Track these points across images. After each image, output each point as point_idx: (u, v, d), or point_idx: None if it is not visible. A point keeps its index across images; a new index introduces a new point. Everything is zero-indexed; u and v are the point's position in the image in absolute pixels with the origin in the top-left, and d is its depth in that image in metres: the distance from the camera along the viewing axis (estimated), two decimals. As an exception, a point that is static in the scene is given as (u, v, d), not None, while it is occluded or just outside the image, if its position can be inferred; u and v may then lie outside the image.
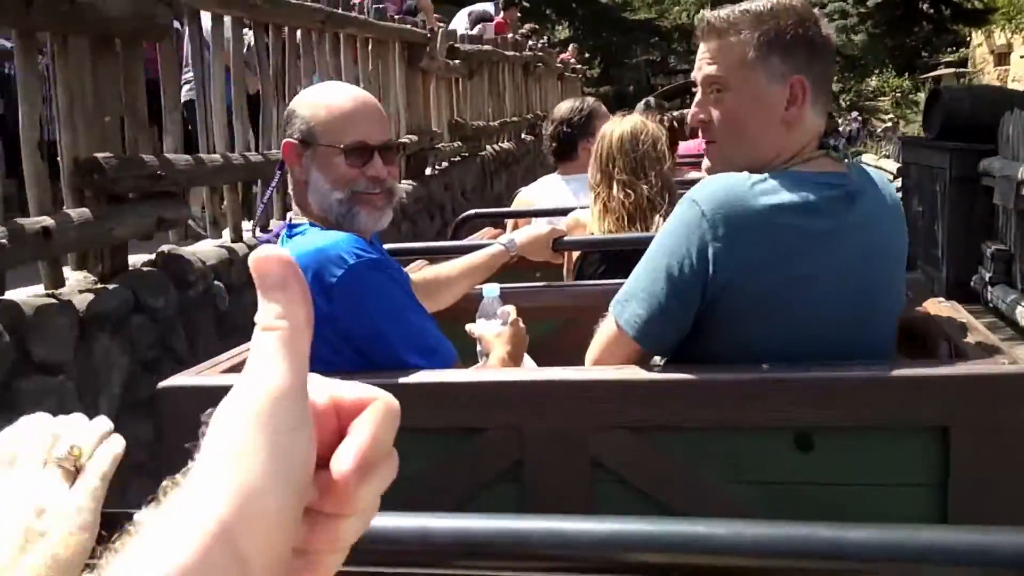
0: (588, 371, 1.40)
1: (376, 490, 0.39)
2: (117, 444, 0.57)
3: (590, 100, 3.28)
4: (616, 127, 2.54)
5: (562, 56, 13.09)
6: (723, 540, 0.64)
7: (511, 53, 9.38)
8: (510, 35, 9.57)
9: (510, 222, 3.26)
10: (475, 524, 0.74)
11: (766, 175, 1.34)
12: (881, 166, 9.92)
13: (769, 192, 1.31)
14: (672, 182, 2.54)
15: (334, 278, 1.44)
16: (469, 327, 1.69)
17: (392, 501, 1.43)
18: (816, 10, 1.46)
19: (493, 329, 1.66)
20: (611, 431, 1.31)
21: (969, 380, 1.25)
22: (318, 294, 1.42)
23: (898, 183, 7.76)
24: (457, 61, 7.38)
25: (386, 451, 0.39)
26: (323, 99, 1.59)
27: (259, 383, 0.36)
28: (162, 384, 1.43)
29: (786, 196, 1.31)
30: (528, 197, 3.28)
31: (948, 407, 1.24)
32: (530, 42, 10.46)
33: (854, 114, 29.09)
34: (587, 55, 27.58)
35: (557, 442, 1.31)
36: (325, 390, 0.39)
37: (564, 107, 3.25)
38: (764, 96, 1.38)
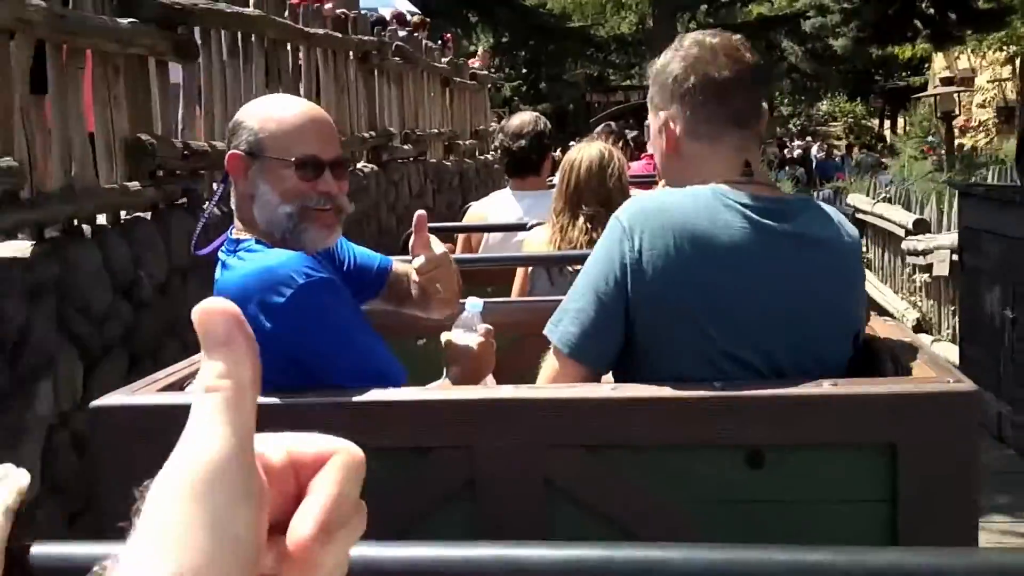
0: (540, 389, 1.40)
1: (344, 548, 0.35)
2: (21, 478, 0.54)
3: (543, 119, 3.27)
4: (584, 156, 2.57)
5: (470, 62, 11.49)
6: (679, 565, 0.63)
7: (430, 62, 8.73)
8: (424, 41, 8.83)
9: (461, 237, 3.23)
10: (424, 553, 0.72)
11: (693, 190, 1.42)
12: (892, 218, 7.64)
13: (687, 206, 1.38)
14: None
15: (282, 298, 1.41)
16: (444, 335, 1.66)
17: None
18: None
19: (466, 342, 1.63)
20: (564, 450, 1.30)
21: (915, 398, 1.26)
22: (264, 314, 1.39)
23: (940, 256, 6.04)
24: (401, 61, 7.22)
25: (352, 507, 0.35)
26: (273, 111, 1.55)
27: (197, 452, 0.33)
28: (96, 403, 1.38)
29: (703, 211, 1.36)
30: (480, 212, 3.26)
31: (895, 425, 1.25)
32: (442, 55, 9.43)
33: (807, 139, 28.88)
34: (508, 70, 25.45)
35: (509, 461, 1.30)
36: (280, 447, 0.36)
37: (516, 123, 3.22)
38: (656, 130, 1.51)
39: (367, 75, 6.55)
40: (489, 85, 12.13)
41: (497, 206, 3.19)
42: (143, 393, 1.44)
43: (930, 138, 20.33)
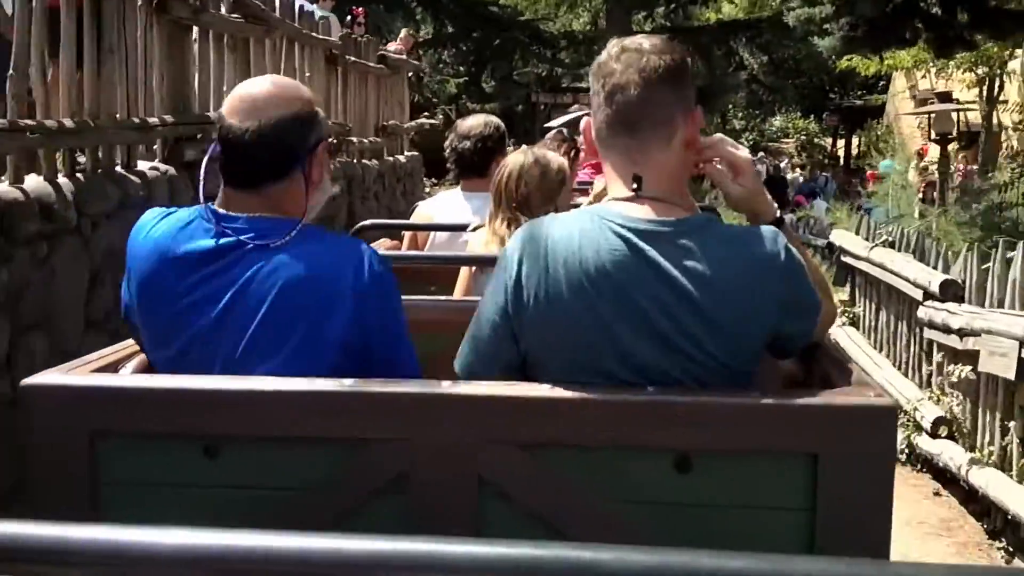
0: (478, 386, 1.41)
1: None
2: None
3: (497, 120, 3.29)
4: (514, 161, 2.62)
5: (390, 46, 10.17)
6: (609, 566, 0.65)
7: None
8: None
9: (407, 235, 3.23)
10: (354, 545, 0.72)
11: (578, 212, 1.47)
12: (901, 272, 5.25)
13: (565, 230, 1.39)
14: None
15: (387, 282, 1.50)
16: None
17: (272, 514, 1.40)
18: None
19: None
20: (498, 447, 1.31)
21: (837, 410, 1.31)
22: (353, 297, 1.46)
23: (999, 346, 3.74)
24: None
25: None
26: (314, 94, 1.60)
27: None
28: (26, 381, 1.37)
29: (578, 235, 1.38)
30: (427, 211, 3.26)
31: (817, 436, 1.30)
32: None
33: (760, 155, 27.13)
34: (457, 66, 24.00)
35: (443, 457, 1.31)
36: None
37: (469, 124, 3.23)
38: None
39: (171, 31, 4.55)
40: (410, 74, 10.67)
41: (445, 206, 3.20)
42: (76, 374, 1.43)
43: (889, 162, 19.01)
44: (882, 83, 27.58)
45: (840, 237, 7.14)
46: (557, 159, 2.65)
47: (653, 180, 1.42)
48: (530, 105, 26.10)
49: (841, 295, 6.45)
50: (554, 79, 26.12)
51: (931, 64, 16.52)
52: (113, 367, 1.52)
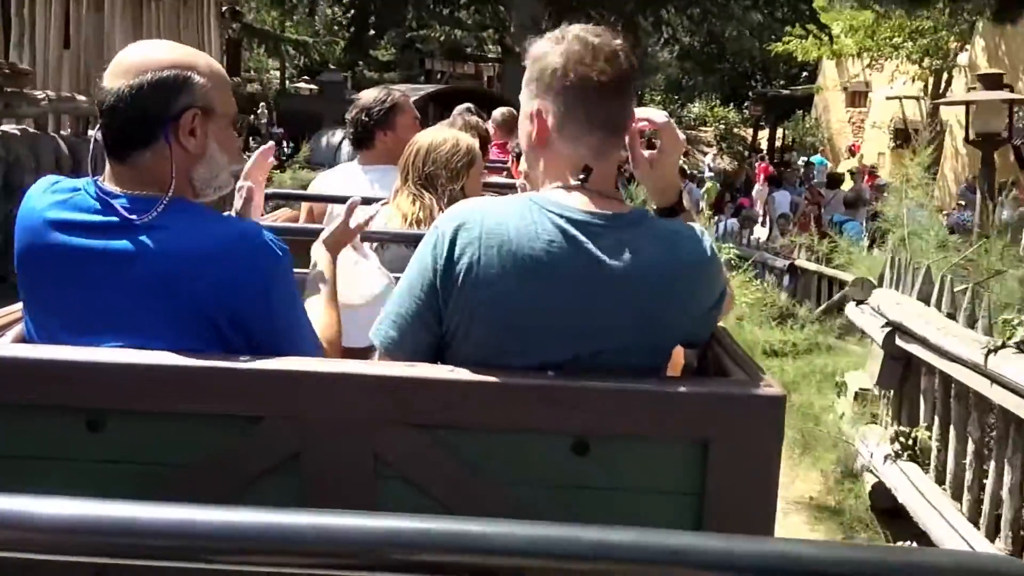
0: (373, 366, 1.40)
1: None
2: None
3: (396, 93, 3.26)
4: (421, 138, 2.63)
5: None
6: (498, 540, 0.65)
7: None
8: None
9: (304, 206, 3.19)
10: (243, 518, 0.72)
11: (514, 198, 1.46)
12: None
13: (501, 214, 1.39)
14: (463, 196, 2.59)
15: (275, 262, 1.44)
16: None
17: (160, 491, 1.37)
18: None
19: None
20: (395, 427, 1.31)
21: (727, 399, 1.35)
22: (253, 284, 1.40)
23: None
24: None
25: None
26: (206, 62, 1.47)
27: None
28: None
29: (514, 219, 1.38)
30: (323, 183, 3.22)
31: (708, 423, 1.34)
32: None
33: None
34: (337, 23, 22.11)
35: (338, 435, 1.30)
36: None
37: (368, 96, 3.23)
38: (525, 115, 1.51)
39: None
40: (225, 9, 9.66)
41: (342, 179, 3.16)
42: None
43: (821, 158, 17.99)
44: (804, 74, 26.33)
45: (886, 303, 4.15)
46: (467, 139, 2.65)
47: (602, 175, 1.46)
48: (425, 74, 23.50)
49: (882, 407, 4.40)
50: (452, 44, 23.20)
51: (876, 52, 15.07)
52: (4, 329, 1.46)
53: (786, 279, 9.11)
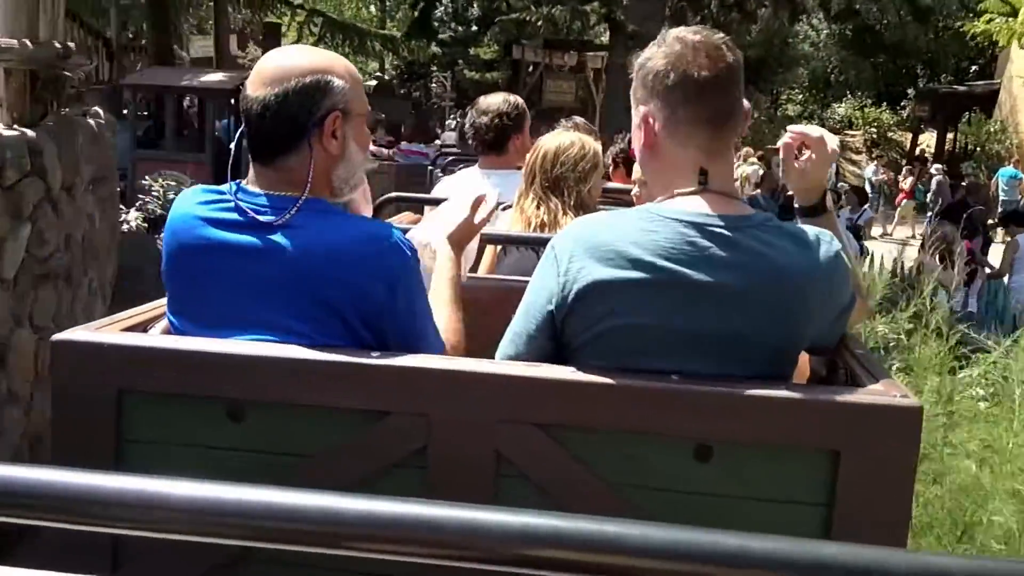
0: (499, 365, 1.42)
1: None
2: None
3: (511, 97, 3.29)
4: (546, 142, 2.63)
5: None
6: (633, 541, 0.65)
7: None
8: None
9: (426, 209, 3.25)
10: (384, 507, 0.73)
11: (628, 211, 1.45)
12: None
13: (618, 227, 1.39)
14: (591, 203, 2.59)
15: (405, 260, 1.48)
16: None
17: (291, 479, 1.42)
18: None
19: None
20: (518, 426, 1.32)
21: (862, 409, 1.30)
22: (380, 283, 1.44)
23: None
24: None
25: None
26: (343, 64, 1.53)
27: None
28: (57, 336, 1.39)
29: (632, 232, 1.37)
30: (445, 187, 3.27)
31: (840, 432, 1.30)
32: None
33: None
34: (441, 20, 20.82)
35: (464, 432, 1.32)
36: None
37: (497, 100, 3.25)
38: (636, 125, 1.50)
39: None
40: None
41: (464, 183, 3.21)
42: (106, 331, 1.44)
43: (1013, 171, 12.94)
44: (974, 68, 20.73)
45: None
46: (591, 142, 2.65)
47: (720, 175, 1.45)
48: (512, 66, 18.91)
49: None
50: (549, 24, 17.22)
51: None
52: (142, 327, 1.54)
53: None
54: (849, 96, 24.74)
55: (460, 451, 1.32)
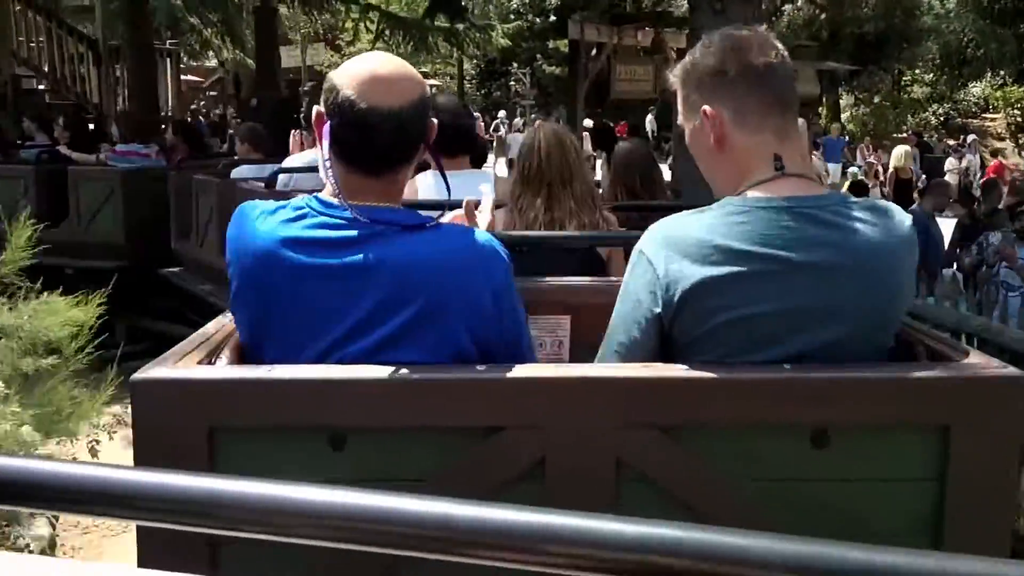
0: (612, 368, 1.41)
1: None
2: None
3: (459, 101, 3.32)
4: (532, 138, 2.67)
5: None
6: (756, 553, 0.65)
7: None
8: None
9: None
10: (498, 515, 0.72)
11: (708, 208, 1.44)
12: None
13: (706, 223, 1.40)
14: (596, 196, 2.67)
15: (506, 272, 1.47)
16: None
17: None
18: None
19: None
20: (635, 429, 1.31)
21: (969, 382, 1.33)
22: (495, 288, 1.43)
23: None
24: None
25: None
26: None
27: None
28: (137, 376, 1.32)
29: (720, 224, 1.38)
30: (411, 187, 3.24)
31: (950, 407, 1.32)
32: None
33: (962, 138, 16.29)
34: None
35: (581, 441, 1.30)
36: None
37: (450, 102, 3.26)
38: (694, 129, 1.51)
39: None
40: None
41: (426, 182, 3.15)
42: (184, 367, 1.37)
43: None
44: None
45: None
46: (566, 132, 2.72)
47: (793, 158, 1.46)
48: (571, 51, 13.86)
49: None
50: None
51: None
52: (210, 357, 1.46)
53: None
54: (988, 74, 21.30)
55: (578, 460, 1.30)
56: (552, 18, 17.76)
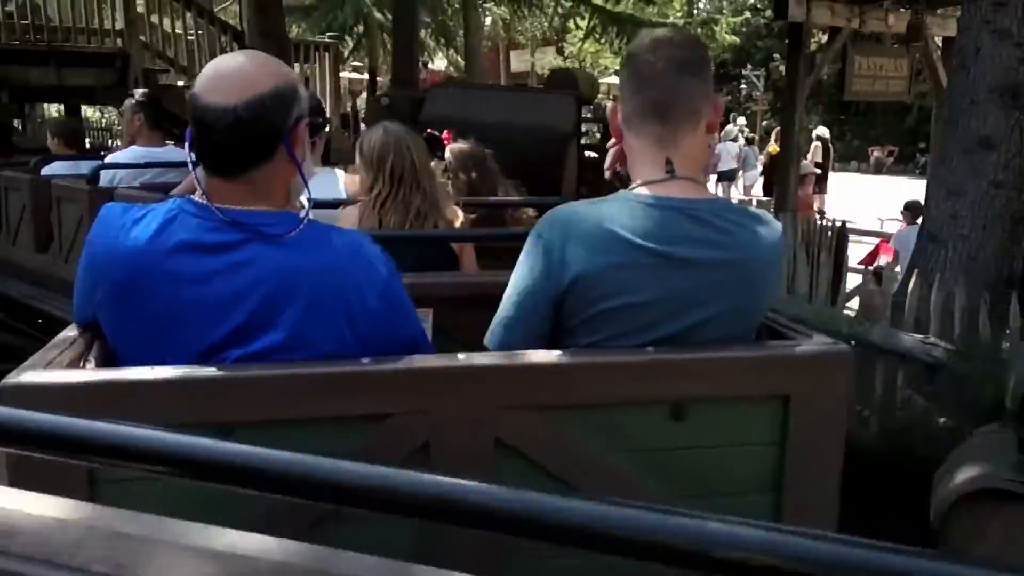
0: (491, 357, 1.49)
1: None
2: None
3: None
4: (375, 137, 2.76)
5: None
6: (721, 535, 0.61)
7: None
8: None
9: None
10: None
11: (609, 197, 1.53)
12: None
13: (602, 212, 1.49)
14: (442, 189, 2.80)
15: (386, 271, 1.47)
16: None
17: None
18: None
19: None
20: (513, 411, 1.40)
21: (804, 357, 1.51)
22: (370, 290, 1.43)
23: None
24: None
25: None
26: (291, 70, 1.53)
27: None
28: (7, 381, 1.27)
29: (615, 215, 1.48)
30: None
31: (788, 379, 1.50)
32: None
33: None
34: None
35: (463, 424, 1.39)
36: None
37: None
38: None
39: None
40: None
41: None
42: (56, 371, 1.33)
43: None
44: None
45: None
46: (406, 131, 2.83)
47: (684, 163, 1.53)
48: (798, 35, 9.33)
49: None
50: None
51: None
52: (78, 361, 1.42)
53: None
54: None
55: (461, 442, 1.38)
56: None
